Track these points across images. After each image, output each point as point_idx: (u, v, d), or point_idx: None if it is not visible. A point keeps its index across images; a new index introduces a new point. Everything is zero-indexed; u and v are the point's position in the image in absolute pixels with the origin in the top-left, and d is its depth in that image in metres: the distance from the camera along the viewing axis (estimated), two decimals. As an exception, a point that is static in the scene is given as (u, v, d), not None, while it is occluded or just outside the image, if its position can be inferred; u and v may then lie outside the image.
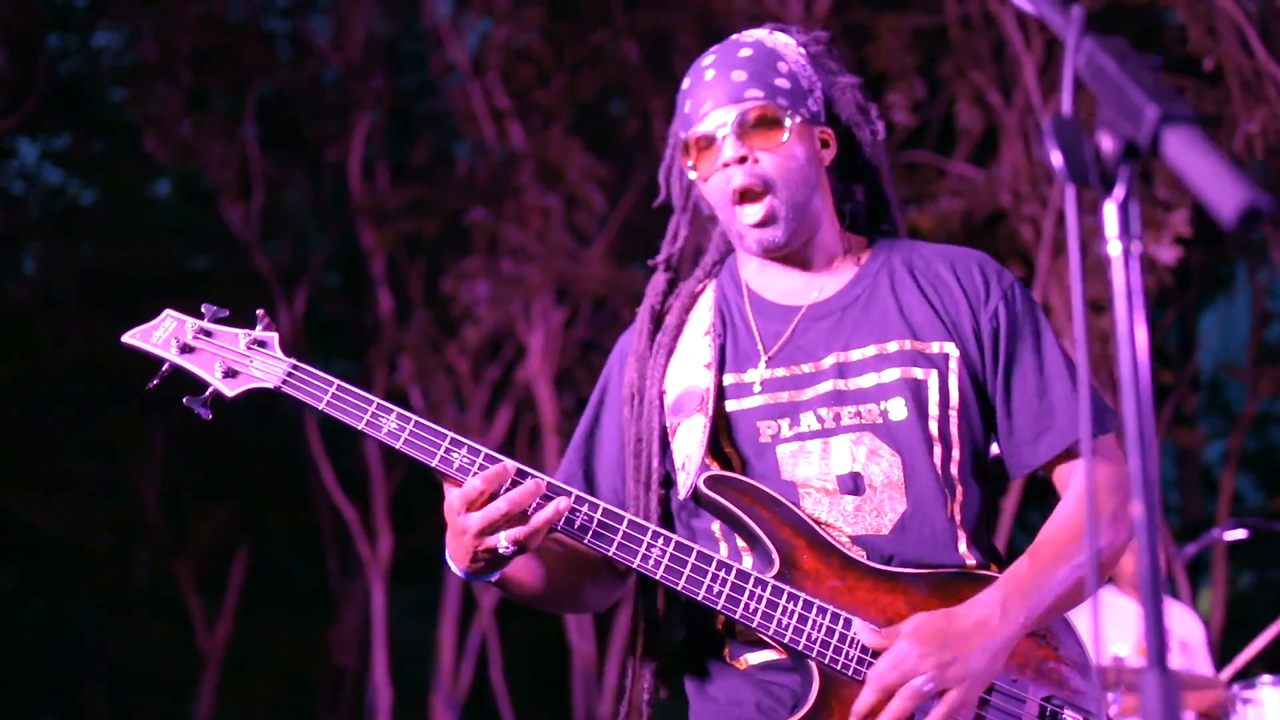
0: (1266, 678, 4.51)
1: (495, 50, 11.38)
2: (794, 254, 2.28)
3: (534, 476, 2.08)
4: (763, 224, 2.20)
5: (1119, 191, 1.28)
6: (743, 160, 2.19)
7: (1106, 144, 1.29)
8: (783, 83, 2.24)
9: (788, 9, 9.69)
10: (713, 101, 2.23)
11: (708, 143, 2.23)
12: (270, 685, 17.44)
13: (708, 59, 2.30)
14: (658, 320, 2.35)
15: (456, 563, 2.10)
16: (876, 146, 2.36)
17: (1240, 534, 5.38)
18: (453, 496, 2.07)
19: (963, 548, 2.15)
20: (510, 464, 2.07)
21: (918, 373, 2.17)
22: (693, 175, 2.29)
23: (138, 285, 14.48)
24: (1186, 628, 5.76)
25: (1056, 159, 1.28)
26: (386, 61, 12.68)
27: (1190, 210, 8.23)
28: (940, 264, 2.28)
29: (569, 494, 2.09)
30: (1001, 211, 9.77)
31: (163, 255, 15.40)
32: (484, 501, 2.03)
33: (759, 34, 2.32)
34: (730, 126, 2.20)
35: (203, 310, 2.28)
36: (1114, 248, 1.28)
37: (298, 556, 17.81)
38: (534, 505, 2.05)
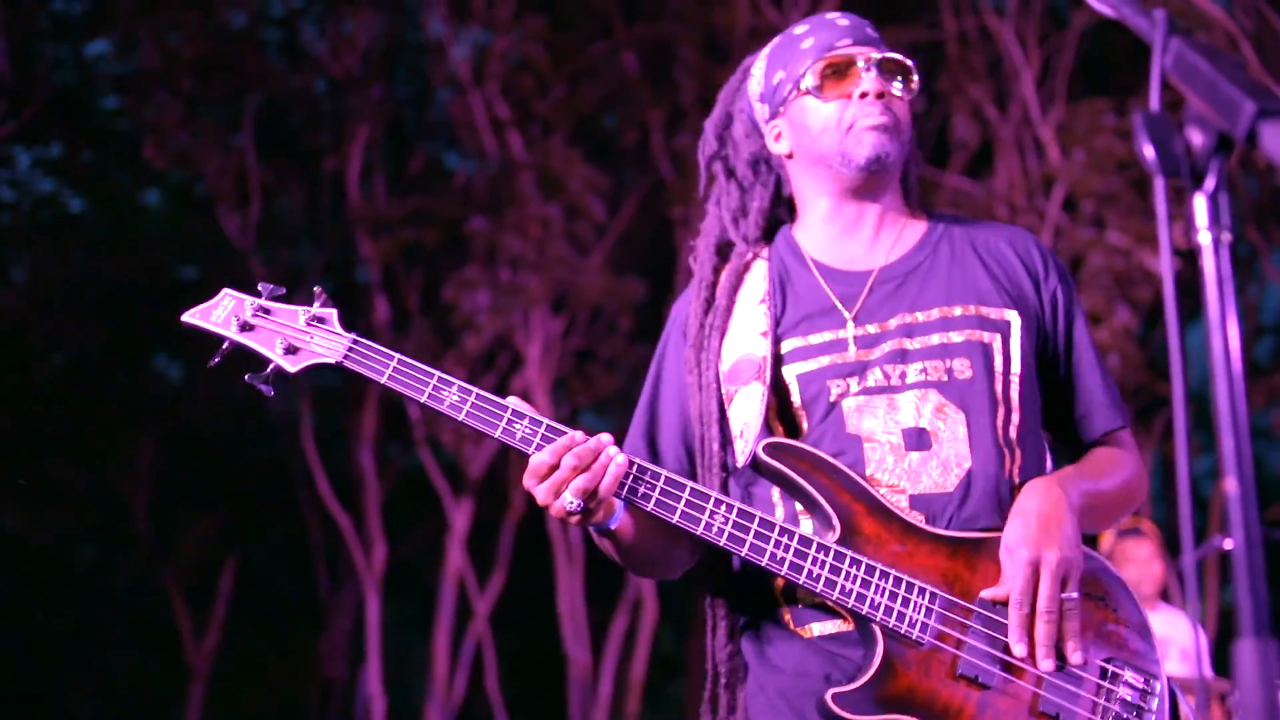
0: None
1: (495, 60, 11.44)
2: (863, 213, 2.31)
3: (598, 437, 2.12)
4: (883, 129, 2.22)
5: (1210, 183, 1.33)
6: (881, 96, 2.23)
7: (1197, 139, 1.34)
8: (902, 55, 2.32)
9: (788, 23, 9.76)
10: (852, 39, 2.26)
11: (845, 68, 2.25)
12: (258, 698, 17.35)
13: (831, 14, 2.34)
14: (709, 301, 2.36)
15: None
16: (922, 136, 2.44)
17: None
18: (527, 471, 2.13)
19: (1009, 497, 2.18)
20: (575, 434, 2.10)
21: (983, 335, 2.21)
22: (805, 106, 2.27)
23: (127, 294, 14.45)
24: (1186, 635, 5.86)
25: (1149, 152, 1.33)
26: (384, 71, 12.72)
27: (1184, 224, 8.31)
28: (999, 239, 2.33)
29: (631, 464, 2.11)
30: (997, 224, 9.85)
31: (153, 264, 15.37)
32: (549, 473, 2.08)
33: None
34: (874, 62, 2.23)
35: (260, 288, 2.28)
36: (1205, 237, 1.34)
37: (286, 567, 17.74)
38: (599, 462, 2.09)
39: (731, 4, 10.48)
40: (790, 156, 2.35)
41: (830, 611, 2.14)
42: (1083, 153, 10.27)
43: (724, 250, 2.42)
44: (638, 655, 12.73)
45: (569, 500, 2.07)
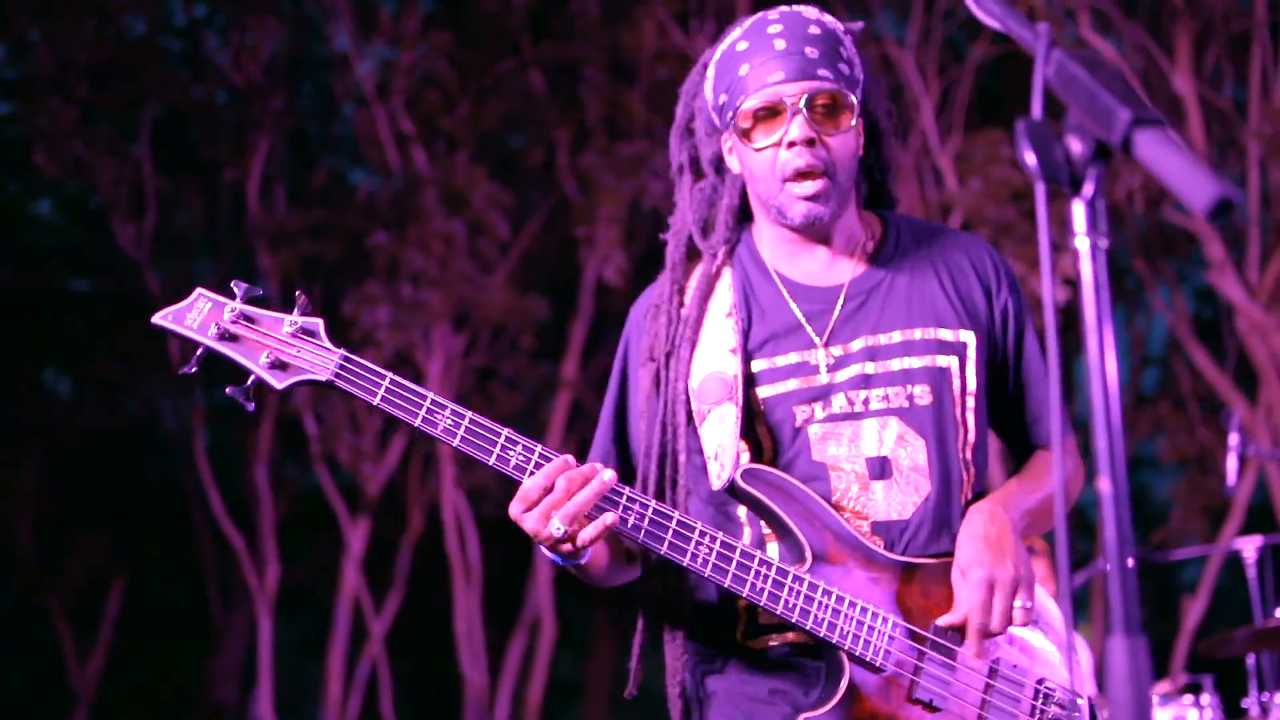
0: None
1: (400, 75, 11.36)
2: (821, 232, 2.28)
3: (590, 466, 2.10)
4: (814, 198, 2.19)
5: (1088, 190, 1.36)
6: (810, 143, 2.16)
7: (1076, 147, 1.37)
8: (845, 68, 2.21)
9: (695, 46, 9.86)
10: (784, 73, 2.16)
11: (771, 114, 2.18)
12: (145, 722, 16.91)
13: (773, 26, 2.21)
14: (679, 307, 2.32)
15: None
16: (894, 145, 2.40)
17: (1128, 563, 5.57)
18: (517, 497, 2.09)
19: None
20: (568, 458, 2.09)
21: (942, 360, 2.23)
22: (742, 145, 2.22)
23: (16, 306, 14.05)
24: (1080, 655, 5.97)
25: (1030, 159, 1.36)
26: (288, 83, 12.56)
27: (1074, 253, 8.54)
28: (955, 250, 2.33)
29: (620, 494, 2.10)
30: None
31: (43, 276, 14.98)
32: (541, 496, 2.05)
33: (813, 11, 2.25)
34: (802, 105, 2.15)
35: (234, 288, 2.13)
36: (1082, 243, 1.36)
37: (177, 588, 17.34)
38: (587, 496, 2.07)
39: (638, 26, 10.55)
40: (740, 174, 2.32)
41: (781, 626, 2.19)
42: (979, 182, 10.52)
43: (694, 253, 2.39)
44: (535, 678, 12.63)
45: (556, 526, 2.04)
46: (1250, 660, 5.25)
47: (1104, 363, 1.35)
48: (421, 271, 10.70)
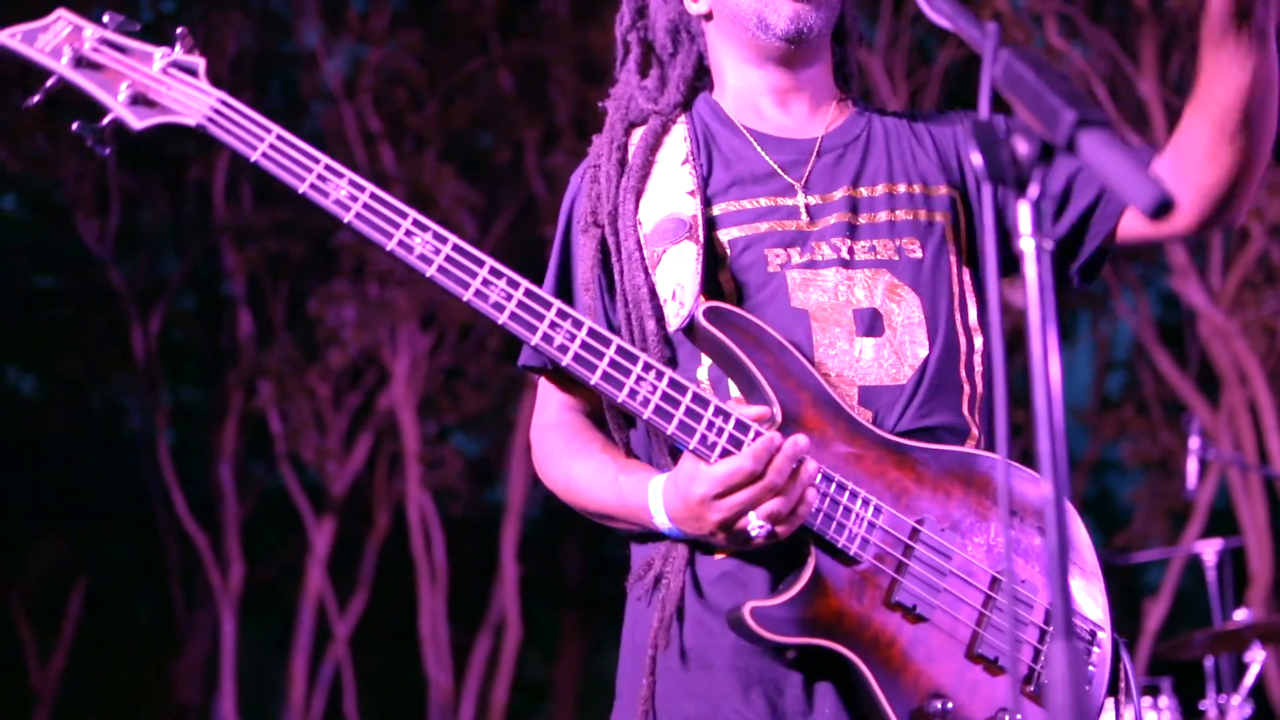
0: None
1: (369, 73, 11.32)
2: (793, 83, 2.09)
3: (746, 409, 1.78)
4: None
5: (1033, 191, 1.35)
6: None
7: (1022, 147, 1.36)
8: None
9: (663, 47, 9.85)
10: None
11: None
12: (107, 723, 16.77)
13: None
14: (621, 163, 2.05)
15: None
16: (859, 15, 2.23)
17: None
18: (706, 477, 1.76)
19: (965, 409, 1.97)
20: (761, 411, 1.79)
21: (931, 215, 2.01)
22: None
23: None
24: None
25: (977, 159, 1.35)
26: (255, 80, 12.49)
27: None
28: (926, 117, 2.14)
29: (547, 306, 1.81)
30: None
31: (5, 272, 14.84)
32: (747, 481, 1.74)
33: None
34: None
35: (105, 18, 1.84)
36: (1027, 244, 1.36)
37: (140, 588, 17.21)
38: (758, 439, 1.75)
39: (608, 26, 10.50)
40: (709, 17, 2.11)
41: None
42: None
43: (638, 121, 2.12)
44: (500, 679, 12.60)
45: (754, 524, 1.75)
46: (1209, 663, 5.29)
47: (1047, 365, 1.34)
48: (388, 270, 10.66)
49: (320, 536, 12.38)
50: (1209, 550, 5.74)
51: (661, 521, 1.86)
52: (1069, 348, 15.28)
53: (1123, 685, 1.91)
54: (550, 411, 2.10)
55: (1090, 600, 1.93)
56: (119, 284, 12.35)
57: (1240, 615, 5.03)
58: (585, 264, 2.02)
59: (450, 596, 12.47)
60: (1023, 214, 1.36)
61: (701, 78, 2.17)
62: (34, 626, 14.63)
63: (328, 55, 11.80)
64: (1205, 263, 11.13)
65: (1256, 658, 4.98)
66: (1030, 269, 1.36)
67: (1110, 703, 1.93)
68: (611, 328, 1.98)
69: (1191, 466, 5.98)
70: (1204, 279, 10.77)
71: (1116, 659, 1.92)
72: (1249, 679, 5.04)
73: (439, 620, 12.23)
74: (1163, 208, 1.18)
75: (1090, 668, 1.89)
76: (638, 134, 2.09)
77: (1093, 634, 1.90)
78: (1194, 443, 5.93)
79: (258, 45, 12.63)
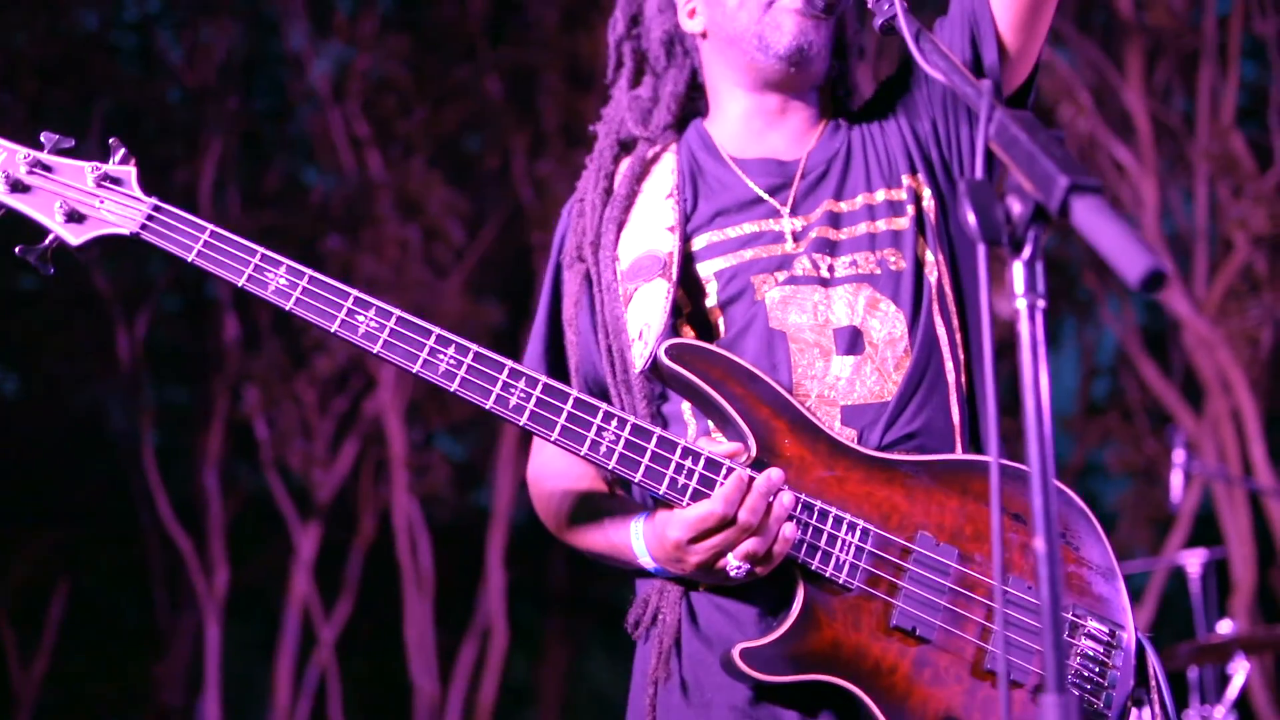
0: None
1: (356, 78, 11.31)
2: (785, 107, 2.08)
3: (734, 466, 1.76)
4: (806, 13, 1.98)
5: (1027, 251, 1.37)
6: None
7: (1016, 208, 1.38)
8: None
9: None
10: None
11: None
12: (89, 727, 16.70)
13: None
14: (607, 191, 2.06)
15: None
16: (860, 32, 2.18)
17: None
18: (678, 522, 1.76)
19: (956, 416, 1.94)
20: (734, 448, 1.77)
21: (903, 222, 1.99)
22: None
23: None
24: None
25: (971, 219, 1.37)
26: (242, 83, 12.46)
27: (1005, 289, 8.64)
28: (883, 93, 2.12)
29: (500, 368, 1.80)
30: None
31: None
32: (718, 527, 1.74)
33: None
34: None
35: (42, 138, 1.87)
36: (1020, 303, 1.38)
37: (122, 591, 17.14)
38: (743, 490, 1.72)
39: (596, 33, 10.57)
40: (704, 36, 2.09)
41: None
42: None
43: (628, 143, 2.14)
44: (486, 684, 12.59)
45: (733, 564, 1.75)
46: (1192, 673, 5.33)
47: (1040, 421, 1.36)
48: (375, 276, 10.65)
49: (306, 541, 12.36)
50: (1193, 561, 5.78)
51: (646, 562, 1.87)
52: (1054, 353, 15.36)
53: (1152, 684, 1.84)
54: (547, 452, 2.11)
55: (1110, 600, 1.86)
56: (104, 286, 12.31)
57: (1224, 626, 5.07)
58: (570, 299, 2.03)
59: (436, 601, 12.46)
60: (1016, 275, 1.39)
61: (693, 95, 2.17)
62: (16, 629, 14.56)
63: (315, 59, 11.78)
64: (1189, 272, 11.19)
65: (1240, 669, 5.02)
66: (1024, 328, 1.38)
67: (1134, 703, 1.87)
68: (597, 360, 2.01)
69: (1176, 480, 6.01)
70: (1188, 288, 10.83)
71: (1142, 657, 1.85)
72: (1233, 690, 5.08)
73: (425, 625, 12.23)
74: (1153, 280, 1.20)
75: (1114, 670, 1.81)
76: (626, 163, 2.09)
77: (1113, 633, 1.83)
78: (1178, 455, 5.96)
79: (245, 48, 12.60)
